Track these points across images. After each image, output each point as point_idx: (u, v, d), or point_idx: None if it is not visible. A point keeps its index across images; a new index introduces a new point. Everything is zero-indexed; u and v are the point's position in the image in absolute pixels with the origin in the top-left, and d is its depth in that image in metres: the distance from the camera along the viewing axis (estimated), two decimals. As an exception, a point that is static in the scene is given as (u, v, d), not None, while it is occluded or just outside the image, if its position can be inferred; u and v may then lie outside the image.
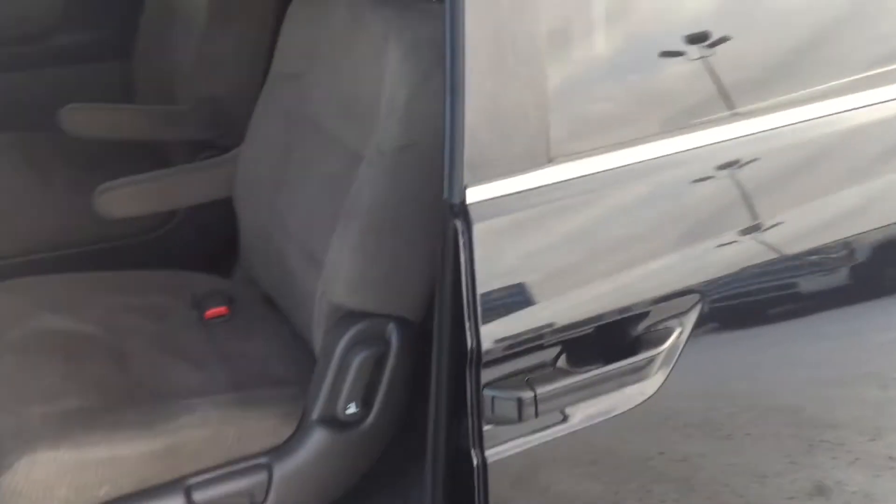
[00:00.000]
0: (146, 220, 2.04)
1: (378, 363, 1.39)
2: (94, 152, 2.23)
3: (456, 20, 0.94)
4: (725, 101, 1.11)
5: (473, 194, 0.97)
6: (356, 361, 1.37)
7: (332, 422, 1.40)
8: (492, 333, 0.98)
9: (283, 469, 1.38)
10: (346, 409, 1.39)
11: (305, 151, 1.61)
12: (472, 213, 0.96)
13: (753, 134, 1.12)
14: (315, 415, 1.40)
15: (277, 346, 1.58)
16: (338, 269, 1.37)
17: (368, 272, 1.35)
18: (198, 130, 2.10)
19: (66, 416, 1.26)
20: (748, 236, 1.12)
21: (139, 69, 2.48)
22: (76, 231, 2.00)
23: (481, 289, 0.97)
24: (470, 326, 0.98)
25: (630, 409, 1.07)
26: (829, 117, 1.17)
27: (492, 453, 1.00)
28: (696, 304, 1.09)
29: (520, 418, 0.98)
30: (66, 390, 1.32)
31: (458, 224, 0.97)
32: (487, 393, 0.99)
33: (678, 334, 1.08)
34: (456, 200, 0.97)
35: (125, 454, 1.25)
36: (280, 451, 1.39)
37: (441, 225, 1.03)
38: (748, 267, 1.13)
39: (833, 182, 1.20)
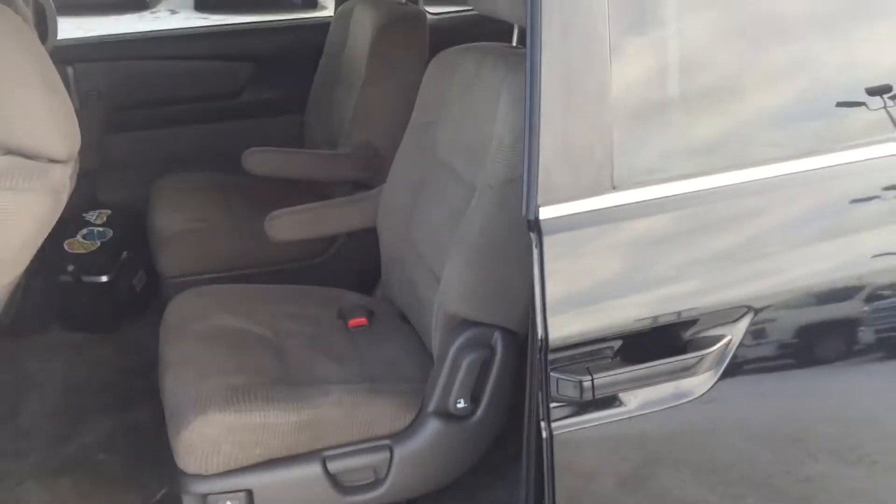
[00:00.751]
0: (308, 247, 2.41)
1: (484, 366, 1.63)
2: (271, 189, 2.64)
3: (534, 73, 1.19)
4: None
5: (545, 212, 1.20)
6: (465, 363, 1.62)
7: (445, 414, 1.65)
8: (558, 325, 1.20)
9: (402, 451, 1.64)
10: (456, 403, 1.63)
11: (433, 186, 1.89)
12: (544, 227, 1.19)
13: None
14: (431, 407, 1.65)
15: (406, 352, 1.86)
16: (452, 283, 1.63)
17: (477, 287, 1.60)
18: (354, 171, 2.46)
19: (234, 388, 1.58)
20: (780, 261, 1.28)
21: (309, 121, 2.90)
22: (253, 253, 2.39)
23: (549, 287, 1.20)
24: (540, 319, 1.20)
25: (679, 405, 1.25)
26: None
27: (557, 426, 1.21)
28: (744, 315, 1.26)
29: (580, 398, 1.19)
30: (234, 371, 1.65)
31: (533, 236, 1.20)
32: (553, 375, 1.20)
33: (727, 341, 1.25)
34: (531, 217, 1.20)
35: (276, 422, 1.55)
36: (401, 435, 1.65)
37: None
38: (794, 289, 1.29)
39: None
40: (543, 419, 1.22)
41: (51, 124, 1.40)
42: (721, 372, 1.26)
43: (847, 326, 1.35)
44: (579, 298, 1.22)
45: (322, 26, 3.10)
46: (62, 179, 1.44)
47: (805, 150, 1.30)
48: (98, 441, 2.12)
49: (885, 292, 1.33)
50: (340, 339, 1.90)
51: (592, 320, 1.22)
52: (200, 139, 2.89)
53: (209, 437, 1.52)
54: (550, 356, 1.20)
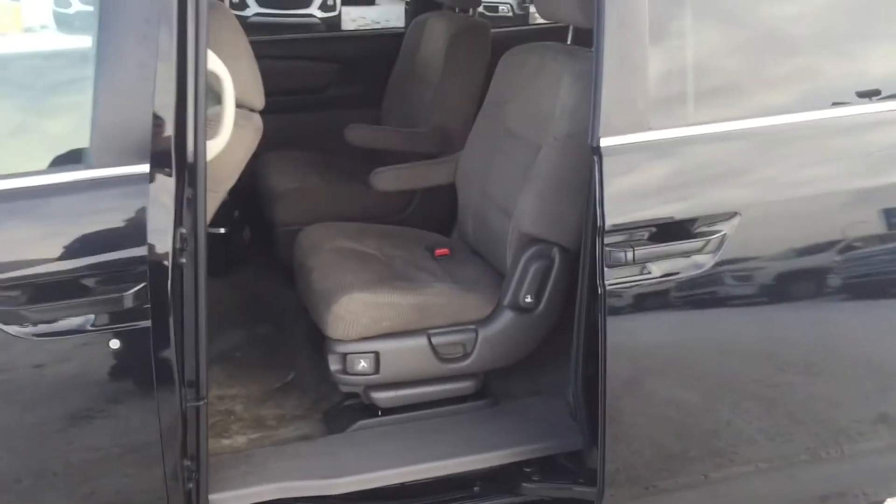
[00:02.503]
0: (393, 203, 3.04)
1: (546, 272, 2.25)
2: (355, 163, 3.28)
3: (599, 49, 1.81)
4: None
5: (604, 142, 1.82)
6: (532, 269, 2.23)
7: (516, 307, 2.26)
8: (611, 217, 1.81)
9: (484, 333, 2.25)
10: (525, 298, 2.24)
11: (504, 150, 2.51)
12: (603, 152, 1.81)
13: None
14: (506, 301, 2.26)
15: (481, 271, 2.47)
16: (524, 210, 2.25)
17: (543, 211, 2.22)
18: (431, 146, 3.10)
19: (367, 280, 2.20)
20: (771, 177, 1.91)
21: (386, 111, 3.55)
22: (348, 209, 3.01)
23: (606, 191, 1.81)
24: (599, 212, 1.81)
25: (689, 277, 1.87)
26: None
27: (609, 282, 1.82)
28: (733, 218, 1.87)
29: (624, 263, 1.81)
30: (363, 271, 2.27)
31: (595, 158, 1.82)
32: (607, 249, 1.81)
33: (722, 234, 1.87)
34: (594, 144, 1.82)
35: (399, 302, 2.17)
36: (483, 322, 2.26)
37: (590, 172, 1.88)
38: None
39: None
40: (599, 279, 1.83)
41: (254, 83, 2.04)
42: (719, 255, 1.87)
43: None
44: (625, 199, 1.84)
45: (392, 36, 3.78)
46: (259, 122, 2.07)
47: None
48: (233, 345, 2.73)
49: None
50: (430, 263, 2.51)
51: (633, 214, 1.84)
52: (296, 125, 3.52)
53: (352, 311, 2.13)
54: (606, 238, 1.81)
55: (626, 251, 1.81)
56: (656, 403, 1.98)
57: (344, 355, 2.16)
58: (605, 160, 1.82)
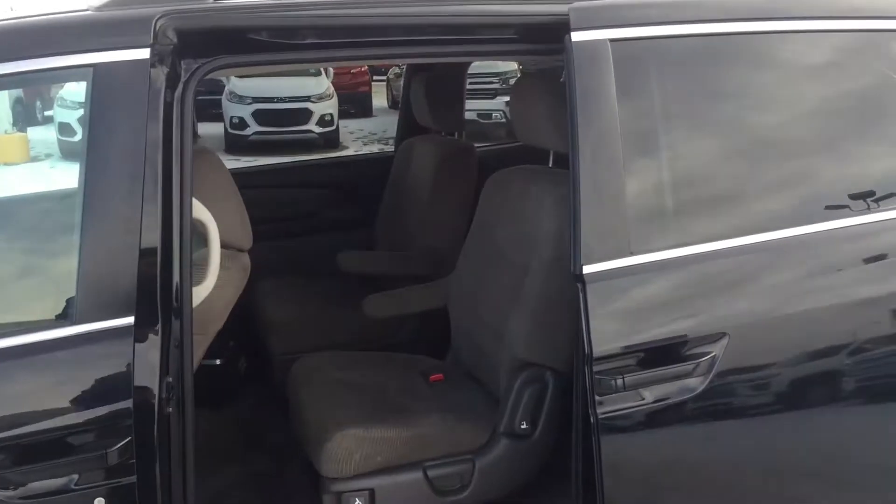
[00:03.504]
0: (387, 329, 3.04)
1: (540, 397, 2.22)
2: (348, 288, 3.29)
3: (576, 180, 1.84)
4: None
5: (587, 269, 1.83)
6: (526, 393, 2.21)
7: (512, 434, 2.22)
8: (598, 344, 1.80)
9: (481, 463, 2.21)
10: (520, 425, 2.21)
11: (493, 272, 2.52)
12: (586, 279, 1.82)
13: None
14: (501, 428, 2.23)
15: (476, 396, 2.44)
16: (515, 334, 2.24)
17: (534, 334, 2.22)
18: (421, 268, 3.11)
19: (359, 415, 2.17)
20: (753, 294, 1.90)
21: (379, 233, 3.59)
22: (344, 335, 3.01)
23: (591, 319, 1.81)
24: (587, 340, 1.81)
25: (681, 400, 1.84)
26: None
27: (601, 411, 1.80)
28: (722, 339, 1.86)
29: (614, 391, 1.79)
30: (356, 404, 2.25)
31: (579, 285, 1.83)
32: (597, 377, 1.80)
33: (712, 356, 1.85)
34: (578, 272, 1.83)
35: (391, 437, 2.13)
36: (480, 451, 2.22)
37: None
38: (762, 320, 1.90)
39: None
40: (591, 409, 1.80)
41: (240, 224, 2.08)
42: (711, 376, 1.85)
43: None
44: (612, 326, 1.84)
45: (381, 160, 3.86)
46: (247, 262, 2.09)
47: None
48: (227, 484, 2.67)
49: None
50: (424, 389, 2.49)
51: (621, 340, 1.83)
52: (289, 251, 3.56)
53: (346, 448, 2.10)
54: (595, 366, 1.80)
55: (615, 379, 1.80)
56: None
57: (339, 494, 2.12)
58: (589, 287, 1.83)
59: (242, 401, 3.20)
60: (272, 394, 3.04)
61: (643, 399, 1.83)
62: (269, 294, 3.27)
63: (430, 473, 2.17)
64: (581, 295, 1.83)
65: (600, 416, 1.80)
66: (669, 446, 1.88)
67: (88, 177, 1.67)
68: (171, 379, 1.72)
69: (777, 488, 1.97)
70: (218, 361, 3.15)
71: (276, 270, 3.46)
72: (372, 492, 2.12)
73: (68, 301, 1.67)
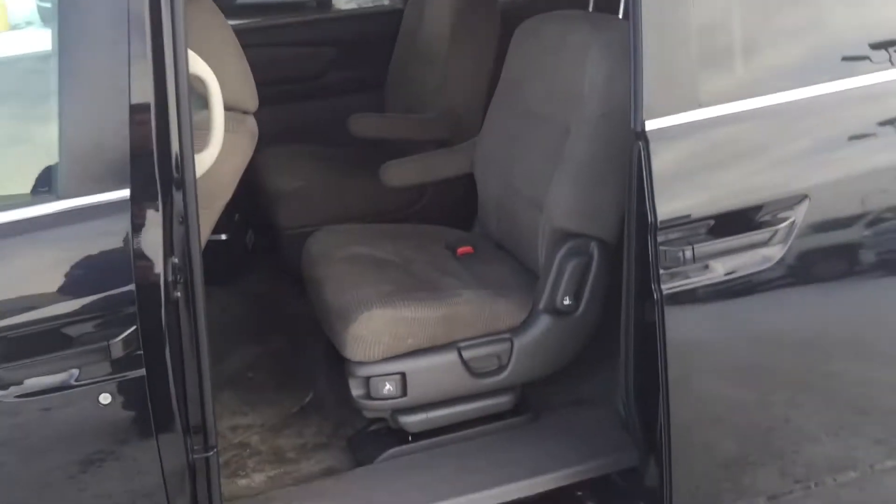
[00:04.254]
0: (404, 198, 2.80)
1: (584, 270, 2.01)
2: (360, 155, 3.03)
3: (637, 23, 1.56)
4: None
5: (651, 125, 1.57)
6: (570, 267, 1.99)
7: (553, 311, 2.02)
8: (664, 209, 1.57)
9: (520, 342, 2.02)
10: (563, 300, 2.01)
11: (528, 134, 2.26)
12: (650, 136, 1.57)
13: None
14: (541, 305, 2.03)
15: (510, 269, 2.23)
16: (557, 202, 2.01)
17: (579, 202, 1.98)
18: (441, 132, 2.84)
19: (387, 293, 1.97)
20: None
21: (389, 94, 3.29)
22: (358, 207, 2.78)
23: (656, 181, 1.57)
24: (650, 205, 1.57)
25: (756, 272, 1.63)
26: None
27: (666, 286, 1.59)
28: (802, 202, 1.63)
29: (682, 263, 1.57)
30: (382, 281, 2.04)
31: (641, 143, 1.58)
32: (662, 248, 1.58)
33: (791, 222, 1.63)
34: (639, 129, 1.58)
35: (423, 317, 1.93)
36: (518, 329, 2.03)
37: (629, 157, 1.65)
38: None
39: None
40: (655, 283, 1.59)
41: (245, 82, 1.80)
42: (789, 245, 1.63)
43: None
44: (679, 190, 1.60)
45: (389, 13, 3.51)
46: (254, 125, 1.83)
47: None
48: (244, 364, 2.51)
49: None
50: (453, 263, 2.28)
51: (689, 206, 1.60)
52: (294, 116, 3.27)
53: (373, 330, 1.90)
54: (659, 236, 1.58)
55: (683, 250, 1.58)
56: (726, 412, 1.76)
57: (367, 379, 1.94)
58: (653, 146, 1.58)
59: (252, 278, 3.02)
60: (282, 269, 2.85)
61: (714, 271, 1.62)
62: (275, 163, 3.01)
63: (466, 354, 1.99)
64: (643, 154, 1.58)
65: (665, 292, 1.60)
66: (741, 322, 1.68)
67: (64, 28, 1.40)
68: (176, 259, 1.50)
69: (860, 356, 1.79)
70: (224, 237, 2.93)
71: (280, 137, 3.18)
72: (403, 375, 1.94)
73: (51, 172, 1.43)
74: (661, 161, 1.58)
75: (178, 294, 1.52)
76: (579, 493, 1.94)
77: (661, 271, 1.59)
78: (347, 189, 2.84)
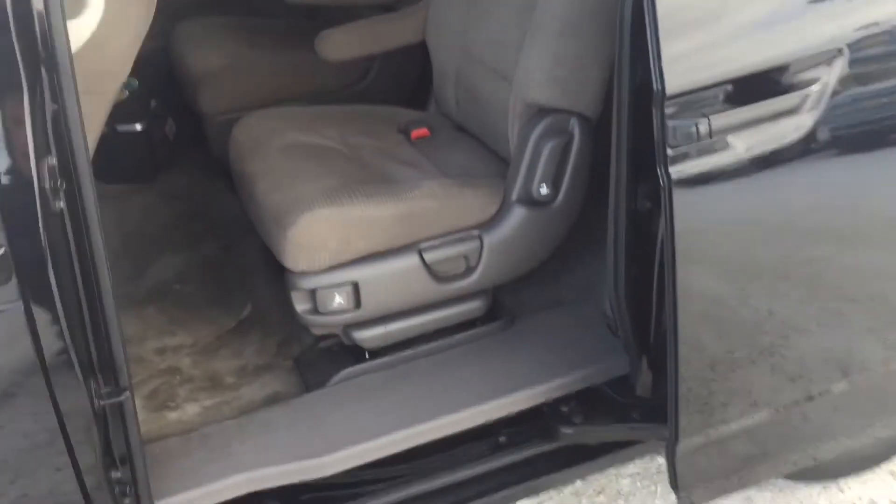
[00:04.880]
0: (348, 73, 2.43)
1: (563, 152, 1.70)
2: (293, 26, 2.63)
3: None
4: None
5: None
6: (546, 149, 1.68)
7: (529, 201, 1.72)
8: (673, 73, 1.26)
9: (491, 239, 1.73)
10: (539, 189, 1.71)
11: (489, -9, 1.90)
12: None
13: None
14: (514, 195, 1.73)
15: (474, 155, 1.91)
16: (529, 72, 1.68)
17: (555, 70, 1.65)
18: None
19: (332, 188, 1.64)
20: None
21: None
22: (294, 85, 2.40)
23: (662, 38, 1.25)
24: (655, 68, 1.26)
25: (783, 146, 1.34)
26: None
27: (675, 170, 1.29)
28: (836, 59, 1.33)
29: (697, 139, 1.27)
30: (325, 175, 1.70)
31: (645, -10, 1.25)
32: (671, 123, 1.27)
33: (824, 83, 1.33)
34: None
35: (377, 215, 1.62)
36: (488, 224, 1.73)
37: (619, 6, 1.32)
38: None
39: None
40: (661, 166, 1.30)
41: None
42: (820, 113, 1.34)
43: None
44: (690, 50, 1.28)
45: None
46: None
47: None
48: (171, 275, 2.17)
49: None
50: (408, 150, 1.95)
51: (703, 69, 1.28)
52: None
53: (316, 234, 1.58)
54: (667, 108, 1.27)
55: (697, 123, 1.28)
56: (739, 314, 1.51)
57: (313, 291, 1.64)
58: (660, -5, 1.25)
59: (175, 173, 2.64)
60: (211, 162, 2.48)
61: (733, 148, 1.32)
62: (193, 38, 2.59)
63: (428, 257, 1.69)
64: (647, 6, 1.25)
65: (674, 176, 1.30)
66: (759, 207, 1.41)
67: None
68: (54, 160, 1.15)
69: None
70: (139, 126, 2.54)
71: (200, 7, 2.75)
72: (355, 285, 1.64)
73: None
74: (670, 12, 1.25)
75: (62, 205, 1.18)
76: (564, 409, 1.69)
77: (669, 151, 1.29)
78: (279, 65, 2.45)
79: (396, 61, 2.36)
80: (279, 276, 1.71)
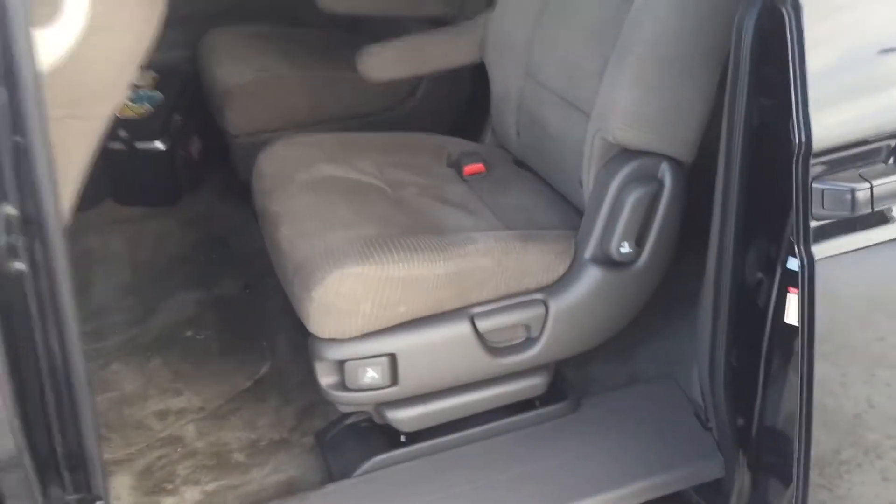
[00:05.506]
0: (390, 94, 2.15)
1: (651, 203, 1.40)
2: (332, 37, 2.36)
3: None
4: None
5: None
6: (630, 199, 1.38)
7: (606, 260, 1.42)
8: (823, 124, 0.95)
9: (558, 305, 1.42)
10: (619, 247, 1.41)
11: (562, 7, 1.61)
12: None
13: None
14: (588, 253, 1.43)
15: (537, 199, 1.61)
16: (613, 105, 1.38)
17: (645, 106, 1.35)
18: (436, 6, 2.14)
19: (368, 239, 1.35)
20: None
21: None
22: (329, 105, 2.13)
23: (811, 76, 0.94)
24: (798, 116, 0.95)
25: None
26: None
27: (818, 249, 0.98)
28: None
29: (852, 210, 0.96)
30: (360, 221, 1.42)
31: (788, 6, 0.94)
32: (817, 186, 0.96)
33: None
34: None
35: (421, 275, 1.32)
36: (555, 287, 1.43)
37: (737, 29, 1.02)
38: None
39: None
40: (799, 242, 0.99)
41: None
42: None
43: None
44: (847, 85, 0.97)
45: None
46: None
47: None
48: (182, 319, 1.91)
49: None
50: (459, 188, 1.65)
51: (862, 113, 0.98)
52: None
53: (347, 295, 1.30)
54: (814, 166, 0.96)
55: (854, 189, 0.96)
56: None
57: (340, 363, 1.35)
58: (809, 8, 0.94)
59: (199, 196, 2.39)
60: (237, 186, 2.21)
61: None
62: (222, 48, 2.33)
63: (481, 325, 1.40)
64: (789, 20, 0.95)
65: (817, 256, 0.99)
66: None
67: None
68: (12, 210, 0.89)
69: None
70: (160, 145, 2.29)
71: (230, 14, 2.49)
72: (392, 358, 1.35)
73: None
74: (818, 35, 0.95)
75: (20, 266, 0.91)
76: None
77: (813, 223, 0.98)
78: (315, 82, 2.17)
79: (447, 83, 2.08)
80: (305, 331, 1.42)
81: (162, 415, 1.63)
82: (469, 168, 1.71)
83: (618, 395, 1.56)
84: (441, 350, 1.38)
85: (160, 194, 2.36)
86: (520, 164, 1.77)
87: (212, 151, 2.45)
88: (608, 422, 1.50)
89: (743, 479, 1.39)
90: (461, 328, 1.38)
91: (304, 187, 1.53)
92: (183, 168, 2.38)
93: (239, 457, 1.52)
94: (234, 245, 2.16)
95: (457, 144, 1.83)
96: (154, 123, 2.30)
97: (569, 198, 1.58)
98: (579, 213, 1.51)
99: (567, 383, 1.55)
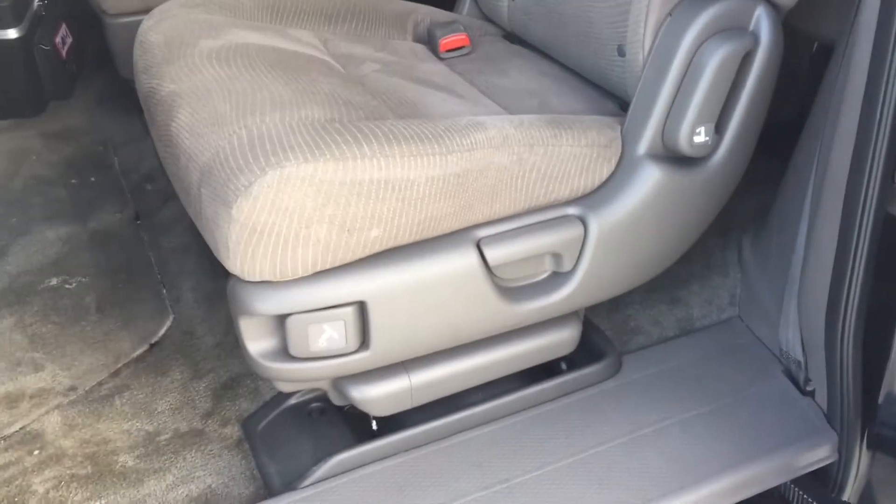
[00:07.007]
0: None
1: (738, 71, 0.95)
2: None
3: None
4: None
5: None
6: (713, 62, 0.93)
7: (669, 156, 0.98)
8: None
9: (600, 222, 0.97)
10: (692, 136, 0.95)
11: None
12: None
13: None
14: (644, 147, 0.97)
15: (548, 82, 1.14)
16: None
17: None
18: None
19: (319, 123, 0.85)
20: None
21: None
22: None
23: None
24: None
25: None
26: None
27: None
28: None
29: None
30: (303, 101, 0.91)
31: None
32: None
33: None
34: None
35: (405, 177, 0.83)
36: (597, 196, 0.98)
37: None
38: None
39: None
40: None
41: None
42: None
43: None
44: None
45: None
46: None
47: None
48: (45, 261, 1.38)
49: None
50: (436, 68, 1.16)
51: None
52: None
53: (289, 211, 0.80)
54: None
55: None
56: None
57: (280, 319, 0.86)
58: None
59: (71, 103, 1.85)
60: (120, 87, 1.68)
61: None
62: None
63: (491, 254, 0.92)
64: None
65: None
66: None
67: None
68: None
69: None
70: (13, 33, 1.73)
71: None
72: (361, 307, 0.87)
73: None
74: None
75: None
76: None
77: None
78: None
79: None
80: (222, 271, 0.92)
81: (11, 400, 1.11)
82: (448, 41, 1.22)
83: (671, 350, 1.12)
84: (432, 294, 0.90)
85: (17, 101, 1.79)
86: (512, 39, 1.29)
87: (86, 45, 1.89)
88: (661, 388, 1.06)
89: (860, 463, 0.98)
90: (463, 260, 0.91)
91: (214, 57, 1.01)
92: (47, 66, 1.82)
93: (127, 460, 1.02)
94: (120, 163, 1.62)
95: (426, 12, 1.32)
96: (6, 7, 1.72)
97: (594, 79, 1.11)
98: (613, 98, 1.05)
99: (602, 336, 1.10)
